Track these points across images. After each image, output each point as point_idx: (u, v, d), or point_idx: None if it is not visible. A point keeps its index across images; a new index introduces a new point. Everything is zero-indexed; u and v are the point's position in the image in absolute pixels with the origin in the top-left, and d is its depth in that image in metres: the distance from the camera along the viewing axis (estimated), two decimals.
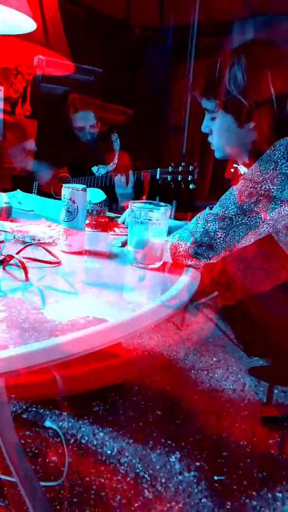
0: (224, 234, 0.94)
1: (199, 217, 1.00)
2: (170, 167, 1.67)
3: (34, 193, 2.16)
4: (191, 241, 0.97)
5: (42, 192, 2.14)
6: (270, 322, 1.10)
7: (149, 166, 1.83)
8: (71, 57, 1.04)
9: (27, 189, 2.06)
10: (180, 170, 1.66)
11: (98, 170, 2.05)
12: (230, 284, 1.23)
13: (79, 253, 1.07)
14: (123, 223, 1.35)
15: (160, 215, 0.99)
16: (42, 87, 2.18)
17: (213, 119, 1.05)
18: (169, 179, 1.68)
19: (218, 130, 1.05)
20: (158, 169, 1.72)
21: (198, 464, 1.39)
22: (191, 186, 1.64)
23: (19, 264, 0.87)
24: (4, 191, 1.68)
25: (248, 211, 0.92)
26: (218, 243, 0.95)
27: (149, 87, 3.24)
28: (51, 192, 2.19)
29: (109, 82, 2.96)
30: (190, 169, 1.63)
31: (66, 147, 2.19)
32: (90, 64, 2.90)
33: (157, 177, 1.74)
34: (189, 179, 1.64)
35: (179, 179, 1.66)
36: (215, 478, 1.34)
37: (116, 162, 2.11)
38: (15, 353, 0.56)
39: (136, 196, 2.07)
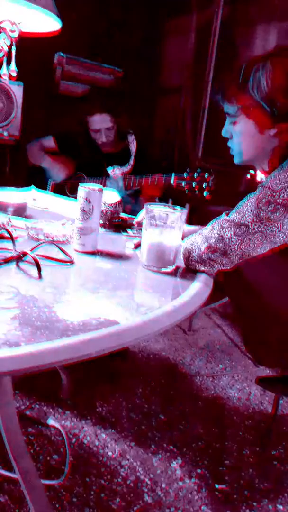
0: (240, 241, 0.93)
1: (214, 222, 1.00)
2: (185, 173, 1.66)
3: (49, 190, 2.16)
4: (205, 247, 0.97)
5: (56, 191, 2.15)
6: (283, 331, 1.09)
7: (164, 170, 1.82)
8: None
9: (42, 187, 2.06)
10: (195, 176, 1.64)
11: (114, 171, 2.05)
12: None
13: (92, 253, 1.06)
14: (139, 223, 1.33)
15: (175, 219, 0.99)
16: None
17: (234, 123, 1.04)
18: (183, 185, 1.66)
19: (239, 135, 1.04)
20: (173, 174, 1.71)
21: (199, 471, 1.38)
22: (205, 194, 1.63)
23: (33, 261, 0.88)
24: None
25: (265, 219, 0.91)
26: (233, 250, 0.94)
27: (168, 84, 3.25)
28: (65, 190, 2.20)
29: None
30: (206, 176, 1.61)
31: (83, 147, 2.19)
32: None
33: (172, 182, 1.73)
34: (204, 186, 1.63)
35: (194, 185, 1.64)
36: (216, 486, 1.33)
37: (131, 163, 2.11)
38: (26, 351, 0.56)
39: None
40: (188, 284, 0.93)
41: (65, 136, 2.25)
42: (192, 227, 1.17)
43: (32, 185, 1.71)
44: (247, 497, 1.30)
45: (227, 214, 0.99)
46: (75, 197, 1.09)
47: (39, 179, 2.18)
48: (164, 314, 0.76)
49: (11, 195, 1.38)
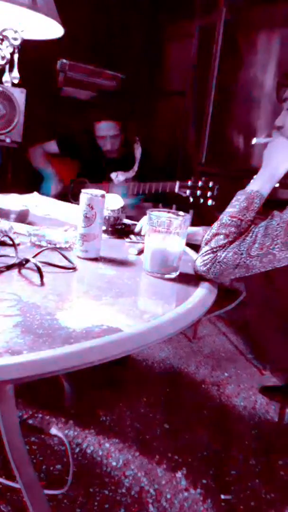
0: (264, 268, 0.91)
1: (241, 245, 0.93)
2: (189, 182, 1.66)
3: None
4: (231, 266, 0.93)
5: (59, 196, 2.15)
6: None
7: (166, 173, 1.83)
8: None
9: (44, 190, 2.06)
10: (199, 185, 1.64)
11: (117, 177, 2.05)
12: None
13: (95, 259, 1.06)
14: (139, 233, 1.33)
15: (179, 225, 0.98)
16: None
17: None
18: (187, 193, 1.67)
19: None
20: (177, 183, 1.72)
21: (204, 481, 1.36)
22: (209, 203, 1.63)
23: (35, 268, 0.87)
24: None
25: None
26: (254, 271, 0.92)
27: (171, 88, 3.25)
28: (67, 196, 2.20)
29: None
30: (210, 186, 1.61)
31: (85, 150, 2.19)
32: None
33: (176, 190, 1.73)
34: (208, 195, 1.62)
35: (198, 194, 1.64)
36: (222, 497, 1.31)
37: (136, 169, 2.10)
38: (29, 359, 0.55)
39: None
40: (192, 290, 0.91)
41: (67, 138, 2.24)
42: (195, 228, 1.16)
43: (35, 192, 1.71)
44: (253, 508, 1.28)
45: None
46: (78, 203, 1.09)
47: (41, 183, 2.18)
48: (168, 321, 0.75)
49: (13, 201, 1.37)
